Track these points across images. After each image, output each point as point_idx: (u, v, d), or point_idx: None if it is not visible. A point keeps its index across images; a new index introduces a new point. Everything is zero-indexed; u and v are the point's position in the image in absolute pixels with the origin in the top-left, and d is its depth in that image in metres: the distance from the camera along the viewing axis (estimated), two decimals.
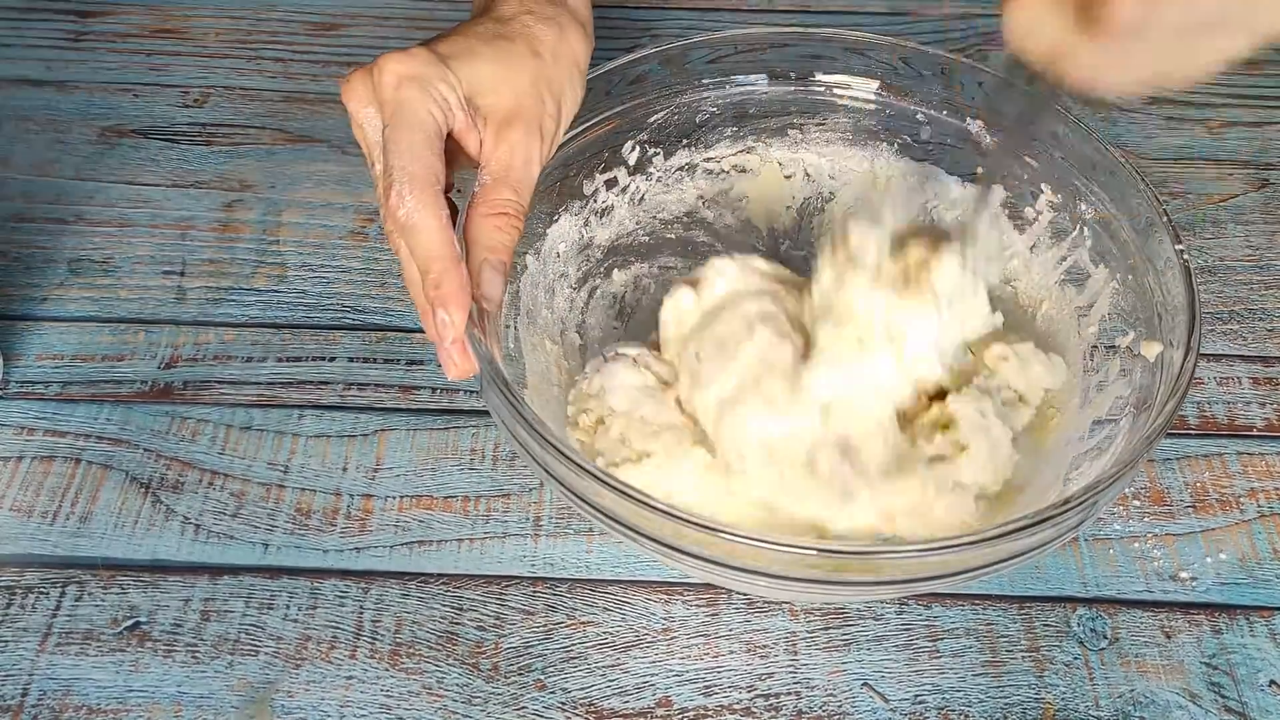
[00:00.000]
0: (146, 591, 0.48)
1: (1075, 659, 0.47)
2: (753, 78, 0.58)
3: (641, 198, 0.59)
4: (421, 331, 0.58)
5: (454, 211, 0.45)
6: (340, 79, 0.45)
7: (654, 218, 0.60)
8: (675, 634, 0.48)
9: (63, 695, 0.45)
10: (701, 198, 0.60)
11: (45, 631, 0.47)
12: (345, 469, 0.53)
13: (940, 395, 0.49)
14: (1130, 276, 0.49)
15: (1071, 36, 0.34)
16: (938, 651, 0.47)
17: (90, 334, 0.58)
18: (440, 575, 0.49)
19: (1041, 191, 0.54)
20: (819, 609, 0.48)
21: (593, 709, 0.45)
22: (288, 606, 0.48)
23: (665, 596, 0.49)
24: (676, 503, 0.40)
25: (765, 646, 0.47)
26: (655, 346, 0.53)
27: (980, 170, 0.56)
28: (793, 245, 0.60)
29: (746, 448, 0.46)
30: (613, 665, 0.47)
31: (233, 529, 0.51)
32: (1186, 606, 0.49)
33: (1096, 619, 0.48)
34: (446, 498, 0.52)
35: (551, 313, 0.55)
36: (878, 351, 0.46)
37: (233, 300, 0.60)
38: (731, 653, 0.47)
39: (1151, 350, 0.46)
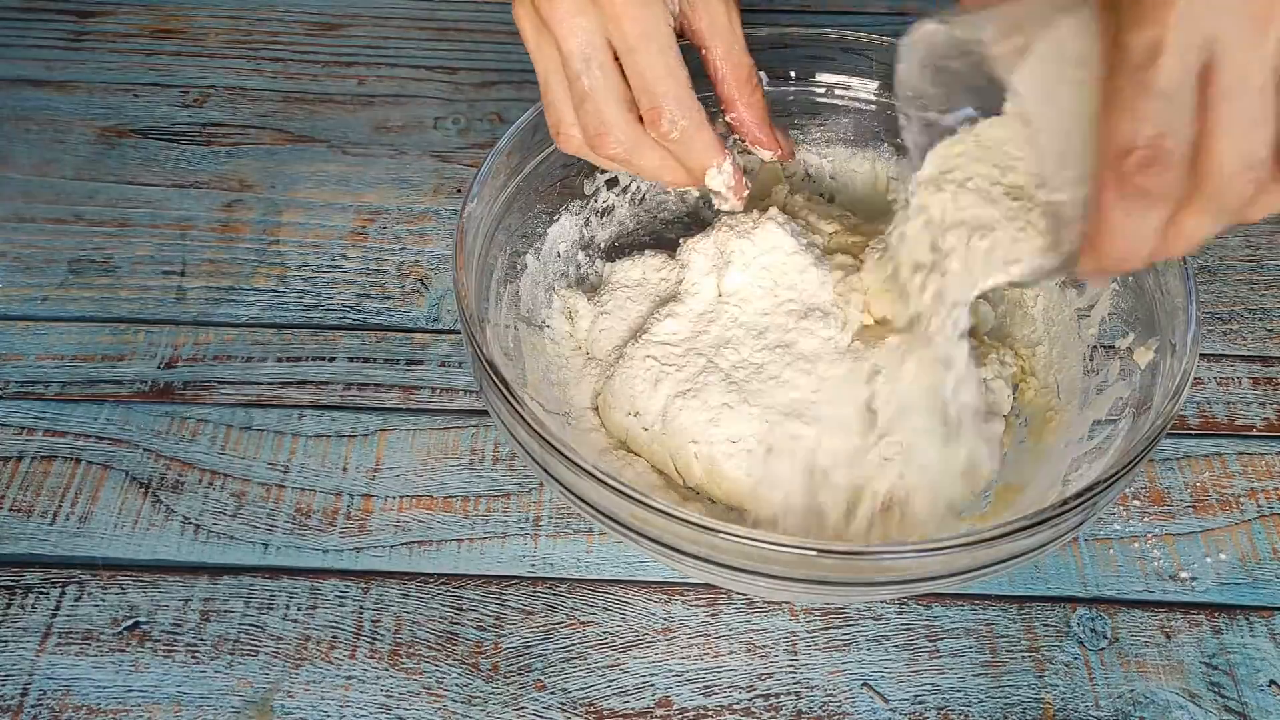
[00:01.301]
0: (146, 591, 0.48)
1: (1075, 659, 0.47)
2: None
3: (642, 197, 0.59)
4: (421, 331, 0.59)
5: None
6: None
7: (655, 217, 0.60)
8: (675, 634, 0.48)
9: (62, 695, 0.45)
10: (702, 197, 0.60)
11: (45, 631, 0.47)
12: (345, 469, 0.53)
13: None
14: (1130, 277, 0.49)
15: None
16: (938, 651, 0.47)
17: (90, 334, 0.58)
18: (440, 575, 0.49)
19: None
20: (819, 609, 0.48)
21: (592, 709, 0.45)
22: (287, 606, 0.48)
23: (665, 596, 0.49)
24: None
25: (765, 646, 0.47)
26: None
27: None
28: None
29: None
30: (612, 665, 0.47)
31: (233, 529, 0.51)
32: (1186, 606, 0.49)
33: (1096, 619, 0.48)
34: (446, 498, 0.52)
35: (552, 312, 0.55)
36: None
37: (233, 300, 0.60)
38: (731, 653, 0.47)
39: (1144, 358, 0.47)
